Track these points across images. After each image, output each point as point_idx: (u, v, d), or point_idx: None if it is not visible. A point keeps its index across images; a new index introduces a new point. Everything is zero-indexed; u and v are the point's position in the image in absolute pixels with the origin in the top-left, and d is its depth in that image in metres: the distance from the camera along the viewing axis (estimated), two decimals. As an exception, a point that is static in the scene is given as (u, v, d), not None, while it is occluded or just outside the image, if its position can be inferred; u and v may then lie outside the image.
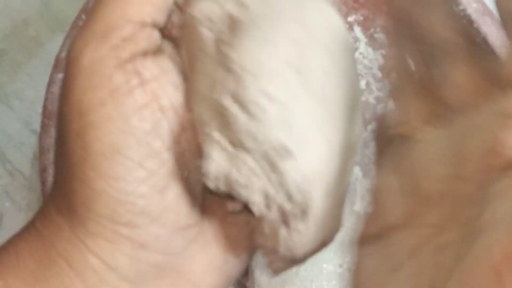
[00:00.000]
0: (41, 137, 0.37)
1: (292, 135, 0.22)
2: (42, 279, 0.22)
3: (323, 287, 0.43)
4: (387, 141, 0.24)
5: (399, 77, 0.24)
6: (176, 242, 0.23)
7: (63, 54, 0.36)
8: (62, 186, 0.23)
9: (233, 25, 0.23)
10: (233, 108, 0.22)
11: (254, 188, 0.23)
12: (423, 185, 0.23)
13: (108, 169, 0.22)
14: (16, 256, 0.23)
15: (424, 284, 0.21)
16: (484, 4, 0.36)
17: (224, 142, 0.22)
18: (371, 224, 0.23)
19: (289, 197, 0.22)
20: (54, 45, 0.41)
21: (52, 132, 0.36)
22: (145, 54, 0.23)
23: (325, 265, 0.42)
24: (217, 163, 0.22)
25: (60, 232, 0.23)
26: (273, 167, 0.22)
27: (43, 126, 0.36)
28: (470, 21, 0.36)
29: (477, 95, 0.22)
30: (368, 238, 0.23)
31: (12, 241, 0.23)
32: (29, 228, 0.24)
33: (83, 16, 0.37)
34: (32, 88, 0.44)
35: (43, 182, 0.36)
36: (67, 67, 0.23)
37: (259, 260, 0.44)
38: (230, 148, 0.22)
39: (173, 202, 0.23)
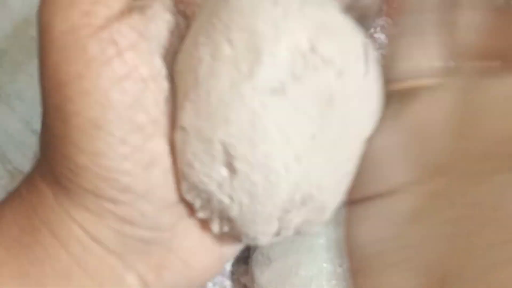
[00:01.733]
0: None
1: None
2: (26, 246, 0.22)
3: (323, 287, 0.43)
4: (387, 97, 0.23)
5: (411, 18, 0.23)
6: (164, 219, 0.23)
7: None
8: (46, 155, 0.22)
9: None
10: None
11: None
12: (428, 150, 0.22)
13: (89, 145, 0.21)
14: (0, 222, 0.22)
15: (430, 257, 0.21)
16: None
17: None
18: (369, 186, 0.23)
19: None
20: (54, 45, 0.41)
21: (53, 132, 0.36)
22: (120, 16, 0.21)
23: (325, 265, 0.42)
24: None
25: (44, 199, 0.22)
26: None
27: (44, 126, 0.36)
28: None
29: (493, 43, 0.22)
30: (365, 200, 0.23)
31: None
32: (14, 195, 0.23)
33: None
34: (33, 89, 0.44)
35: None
36: (39, 39, 0.22)
37: (259, 260, 0.44)
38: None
39: (160, 178, 0.22)
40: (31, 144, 0.44)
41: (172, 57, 0.23)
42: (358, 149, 0.23)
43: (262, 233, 0.24)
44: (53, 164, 0.22)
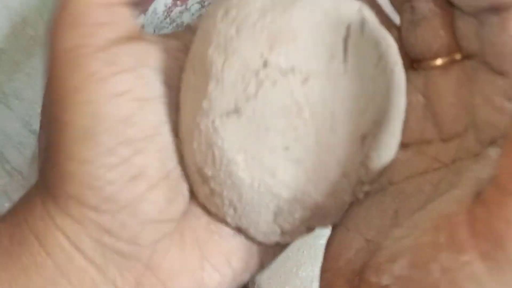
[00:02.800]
0: (40, 137, 0.36)
1: None
2: (15, 257, 0.22)
3: (323, 287, 0.43)
4: (409, 64, 0.25)
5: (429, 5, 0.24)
6: (144, 234, 0.23)
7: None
8: (41, 166, 0.24)
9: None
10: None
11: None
12: (439, 113, 0.24)
13: (78, 152, 0.22)
14: None
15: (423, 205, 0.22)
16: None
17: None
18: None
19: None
20: (53, 45, 0.41)
21: (51, 132, 0.36)
22: (122, 40, 0.22)
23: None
24: None
25: (34, 208, 0.23)
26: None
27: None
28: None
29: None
30: None
31: None
32: (10, 209, 0.24)
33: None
34: (31, 88, 0.44)
35: (42, 183, 0.36)
36: (47, 54, 0.23)
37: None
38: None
39: (146, 193, 0.23)
40: (30, 144, 0.43)
41: (174, 84, 0.24)
42: (351, 149, 0.23)
43: (267, 234, 0.24)
44: (45, 172, 0.23)
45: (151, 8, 0.39)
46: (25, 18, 0.46)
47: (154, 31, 0.40)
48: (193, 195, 0.25)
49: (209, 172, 0.23)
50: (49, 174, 0.23)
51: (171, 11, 0.40)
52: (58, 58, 0.22)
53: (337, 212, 0.24)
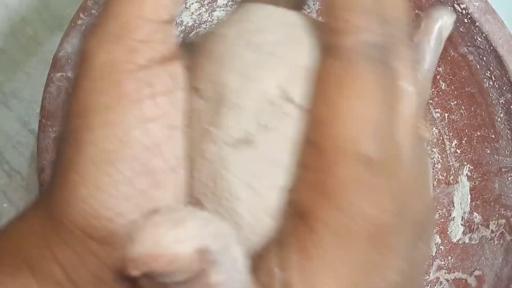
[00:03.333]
0: (39, 137, 0.36)
1: None
2: (4, 287, 0.20)
3: None
4: None
5: None
6: None
7: (61, 54, 0.36)
8: (48, 185, 0.22)
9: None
10: None
11: None
12: None
13: (95, 177, 0.20)
14: None
15: None
16: (486, 3, 0.36)
17: None
18: None
19: None
20: (52, 44, 0.41)
21: (50, 132, 0.36)
22: (162, 61, 0.21)
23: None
24: None
25: (31, 235, 0.21)
26: None
27: (41, 126, 0.36)
28: (472, 20, 0.36)
29: None
30: None
31: None
32: (4, 231, 0.22)
33: (82, 15, 0.36)
34: (31, 88, 0.44)
35: (40, 183, 0.36)
36: (78, 65, 0.21)
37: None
38: None
39: None
40: (28, 144, 0.43)
41: None
42: None
43: None
44: (51, 194, 0.21)
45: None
46: (25, 18, 0.46)
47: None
48: None
49: (207, 205, 0.21)
50: (55, 195, 0.21)
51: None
52: (94, 69, 0.20)
53: None
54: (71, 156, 0.20)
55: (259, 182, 0.20)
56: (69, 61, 0.36)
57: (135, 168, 0.20)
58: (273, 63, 0.21)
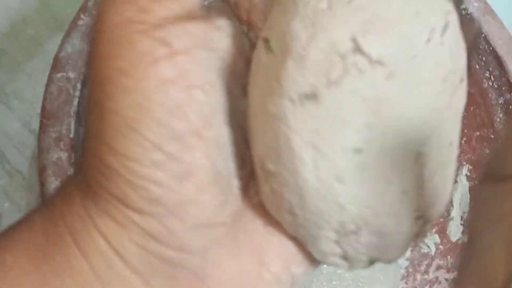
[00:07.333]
0: (40, 137, 0.36)
1: None
2: (50, 256, 0.20)
3: (323, 287, 0.43)
4: None
5: None
6: (194, 241, 0.20)
7: (62, 54, 0.36)
8: (82, 158, 0.21)
9: None
10: None
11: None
12: None
13: (122, 146, 0.19)
14: (28, 230, 0.21)
15: None
16: (485, 3, 0.36)
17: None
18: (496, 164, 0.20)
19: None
20: (53, 45, 0.41)
21: (51, 132, 0.36)
22: (177, 20, 0.20)
23: (325, 265, 0.42)
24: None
25: (72, 205, 0.20)
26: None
27: (42, 126, 0.36)
28: (471, 20, 0.36)
29: None
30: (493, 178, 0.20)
31: (29, 215, 0.22)
32: (47, 203, 0.22)
33: (82, 16, 0.36)
34: (32, 88, 0.44)
35: (42, 182, 0.36)
36: (94, 28, 0.20)
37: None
38: None
39: (195, 194, 0.20)
40: (30, 144, 0.43)
41: (229, 67, 0.21)
42: (411, 164, 0.20)
43: (326, 253, 0.21)
44: (85, 166, 0.20)
45: None
46: (26, 19, 0.46)
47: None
48: (246, 194, 0.22)
49: (272, 167, 0.20)
50: (89, 167, 0.20)
51: None
52: (106, 32, 0.19)
53: (400, 245, 0.22)
54: (97, 125, 0.20)
55: (324, 142, 0.19)
56: (69, 61, 0.36)
57: (161, 133, 0.19)
58: (349, 13, 0.19)
